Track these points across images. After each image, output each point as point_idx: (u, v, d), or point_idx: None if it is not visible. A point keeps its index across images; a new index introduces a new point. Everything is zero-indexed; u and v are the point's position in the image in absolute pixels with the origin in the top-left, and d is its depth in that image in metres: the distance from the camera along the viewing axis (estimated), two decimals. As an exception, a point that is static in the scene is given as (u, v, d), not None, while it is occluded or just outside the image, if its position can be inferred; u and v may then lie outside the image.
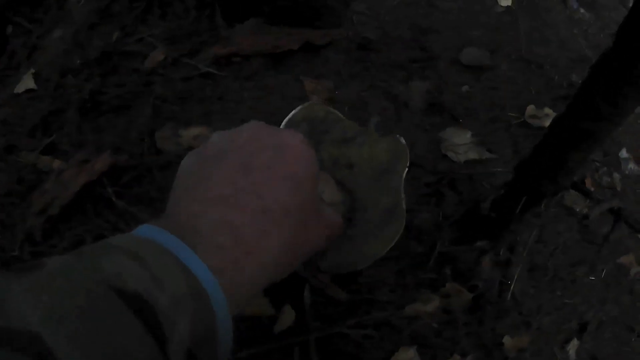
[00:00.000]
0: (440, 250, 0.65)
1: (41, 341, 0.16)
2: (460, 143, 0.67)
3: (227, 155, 0.30)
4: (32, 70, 0.76)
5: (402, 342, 0.61)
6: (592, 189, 0.72)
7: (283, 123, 0.54)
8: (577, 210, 0.71)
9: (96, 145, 0.67)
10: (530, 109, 0.72)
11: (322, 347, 0.59)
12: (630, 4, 0.37)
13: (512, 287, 0.65)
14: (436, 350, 0.62)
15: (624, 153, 0.78)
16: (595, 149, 0.50)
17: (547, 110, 0.73)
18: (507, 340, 0.63)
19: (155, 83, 0.71)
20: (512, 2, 0.84)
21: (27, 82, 0.75)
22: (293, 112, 0.54)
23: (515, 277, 0.65)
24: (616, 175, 0.75)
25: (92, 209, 0.64)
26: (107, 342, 0.18)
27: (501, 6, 0.83)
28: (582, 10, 0.89)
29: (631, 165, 0.77)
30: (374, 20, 0.77)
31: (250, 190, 0.29)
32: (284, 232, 0.29)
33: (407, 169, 0.51)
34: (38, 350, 0.16)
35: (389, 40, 0.74)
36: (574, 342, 0.67)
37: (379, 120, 0.69)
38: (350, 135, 0.54)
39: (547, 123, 0.70)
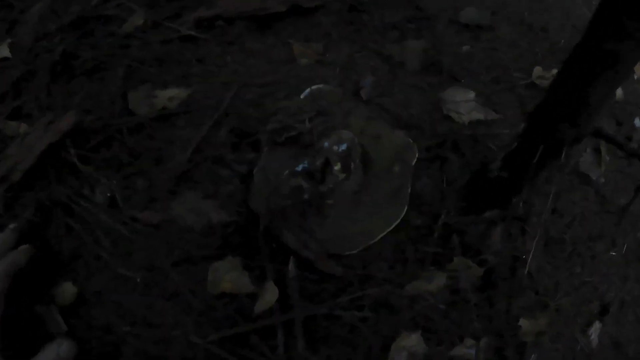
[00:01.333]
0: (445, 221, 0.55)
1: None
2: (464, 102, 0.59)
3: None
4: (9, 40, 0.69)
5: (403, 326, 0.51)
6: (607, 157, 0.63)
7: (302, 95, 0.56)
8: (594, 179, 0.62)
9: (65, 109, 0.59)
10: (538, 69, 0.64)
11: (310, 329, 0.48)
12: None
13: (528, 262, 0.55)
14: (443, 334, 0.51)
15: (637, 122, 0.69)
16: (620, 79, 0.41)
17: (555, 71, 0.64)
18: (523, 323, 0.53)
19: (132, 46, 0.63)
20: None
21: (1, 51, 0.68)
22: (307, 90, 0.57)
23: (532, 251, 0.55)
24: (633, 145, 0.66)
25: (55, 174, 0.55)
26: None
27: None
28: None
29: (646, 135, 0.68)
30: (366, -19, 0.70)
31: None
32: None
33: (415, 160, 0.53)
34: None
35: (382, 1, 0.67)
36: (596, 326, 0.57)
37: (373, 80, 0.61)
38: (374, 115, 0.56)
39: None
